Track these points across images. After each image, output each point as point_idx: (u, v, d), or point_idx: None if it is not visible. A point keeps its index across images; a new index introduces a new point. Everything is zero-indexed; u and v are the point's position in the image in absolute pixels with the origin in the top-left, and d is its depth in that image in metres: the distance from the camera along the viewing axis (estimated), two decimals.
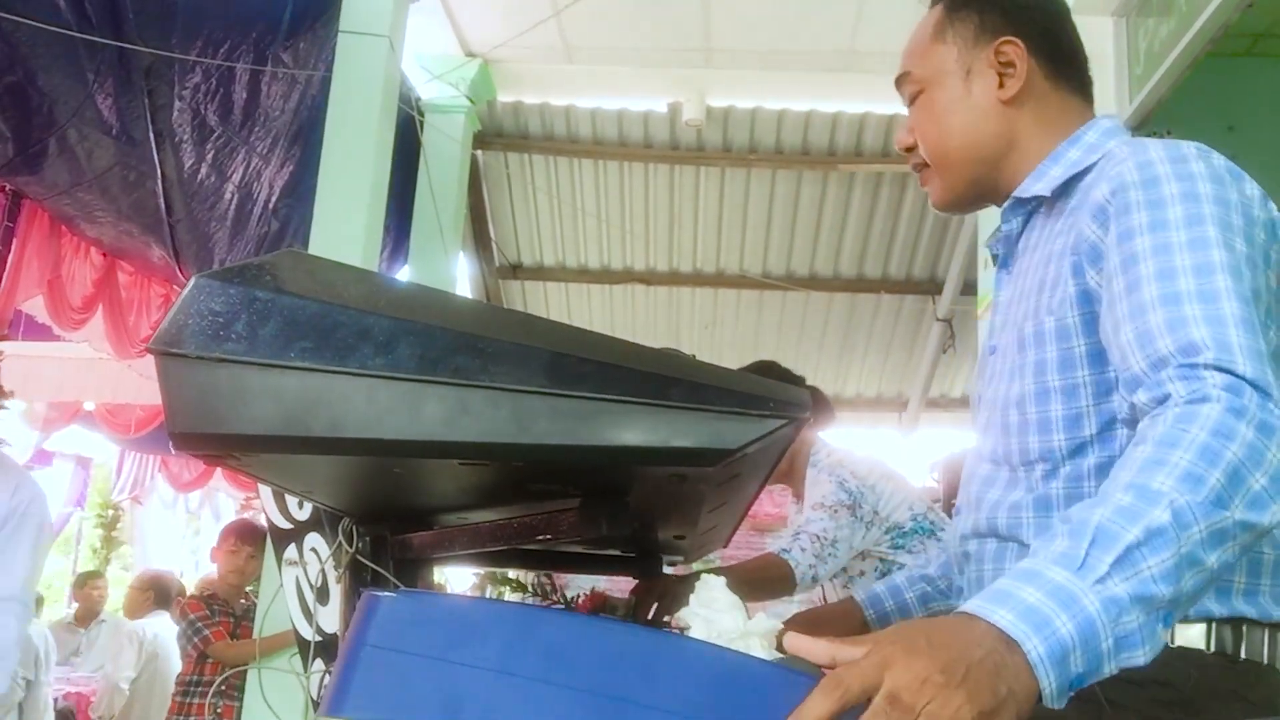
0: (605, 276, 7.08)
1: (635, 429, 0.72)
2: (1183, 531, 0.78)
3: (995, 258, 1.29)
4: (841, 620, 1.52)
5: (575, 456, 0.73)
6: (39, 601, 7.45)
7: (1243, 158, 1.08)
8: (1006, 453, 1.14)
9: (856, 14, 4.96)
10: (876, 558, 2.56)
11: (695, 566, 2.27)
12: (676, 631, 0.98)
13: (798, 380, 2.65)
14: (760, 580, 2.40)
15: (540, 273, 7.12)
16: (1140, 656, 0.76)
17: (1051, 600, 0.75)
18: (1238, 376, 0.85)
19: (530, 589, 2.43)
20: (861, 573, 2.58)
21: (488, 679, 0.77)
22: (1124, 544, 0.77)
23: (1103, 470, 1.04)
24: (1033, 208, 1.20)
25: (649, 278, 7.05)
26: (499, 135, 6.21)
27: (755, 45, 5.35)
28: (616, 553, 1.40)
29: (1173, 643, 0.97)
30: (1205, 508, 0.80)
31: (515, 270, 7.10)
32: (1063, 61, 1.22)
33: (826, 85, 5.62)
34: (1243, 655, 0.99)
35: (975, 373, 1.36)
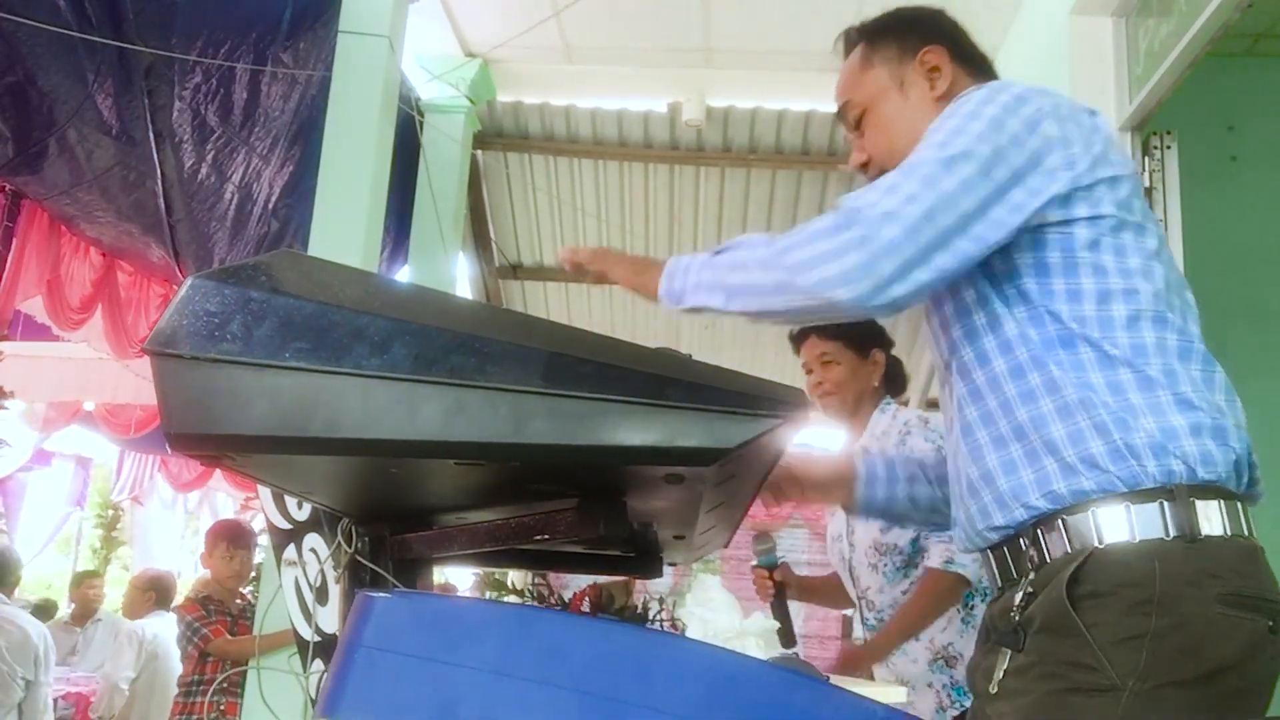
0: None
1: (632, 429, 0.72)
2: (749, 251, 1.20)
3: None
4: (835, 462, 1.62)
5: (572, 456, 0.73)
6: (50, 605, 7.46)
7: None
8: (961, 365, 1.31)
9: (856, 14, 4.95)
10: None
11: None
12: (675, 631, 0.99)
13: (881, 332, 2.68)
14: (936, 606, 2.40)
15: (540, 273, 7.12)
16: (701, 296, 1.23)
17: (691, 259, 1.27)
18: (845, 207, 1.14)
19: (526, 594, 2.43)
20: (903, 527, 2.55)
21: (483, 680, 0.77)
22: (730, 244, 1.23)
23: (1025, 390, 1.19)
24: None
25: None
26: (499, 135, 6.21)
27: (755, 45, 5.34)
28: (615, 553, 1.40)
29: (1135, 538, 1.04)
30: (774, 249, 1.16)
31: (515, 270, 7.09)
32: (972, 57, 1.42)
33: (826, 85, 5.58)
34: (1202, 533, 1.04)
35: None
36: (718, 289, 1.19)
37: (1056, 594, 1.05)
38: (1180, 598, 1.01)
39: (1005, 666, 1.09)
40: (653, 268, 1.28)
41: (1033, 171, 1.14)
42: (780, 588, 2.31)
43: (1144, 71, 3.31)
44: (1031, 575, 1.12)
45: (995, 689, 1.09)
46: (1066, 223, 1.16)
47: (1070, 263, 1.16)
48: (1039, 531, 1.13)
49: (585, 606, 2.28)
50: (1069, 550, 1.08)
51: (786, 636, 2.19)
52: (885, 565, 2.53)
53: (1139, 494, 1.06)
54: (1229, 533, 1.06)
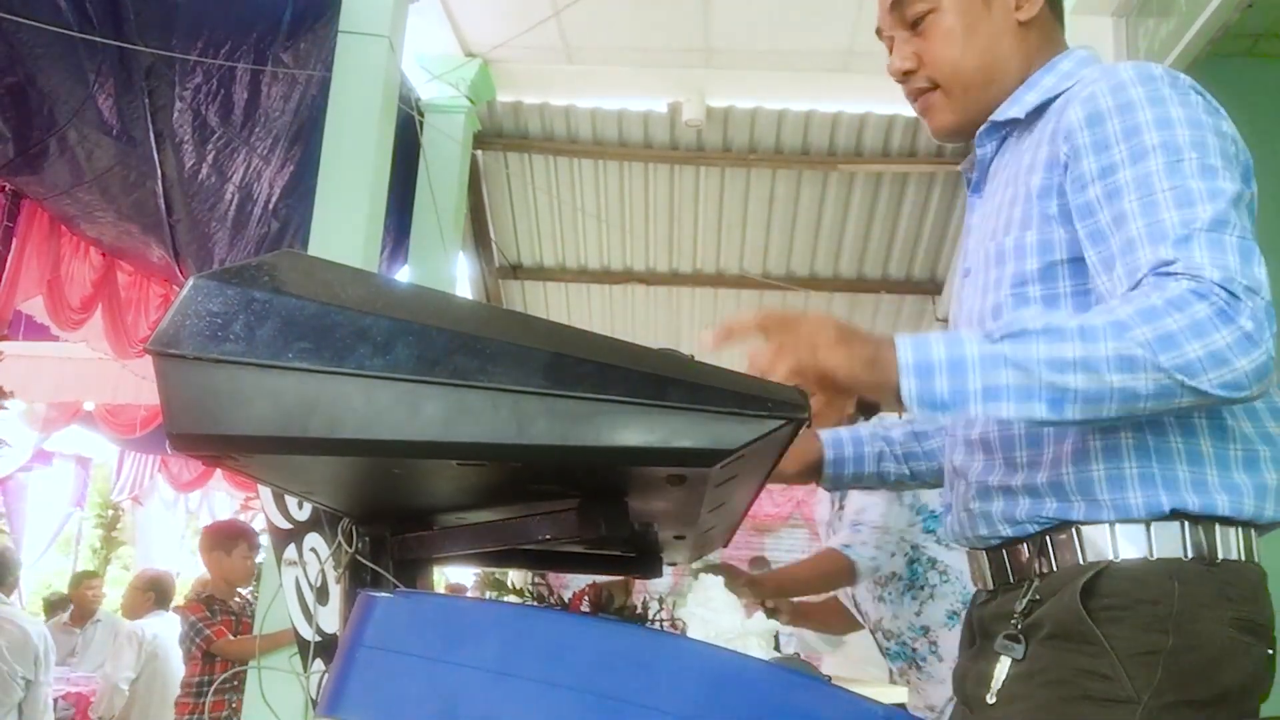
0: (605, 276, 7.07)
1: (633, 430, 0.72)
2: (1084, 340, 0.91)
3: (969, 182, 1.32)
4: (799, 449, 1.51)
5: (573, 457, 0.73)
6: (62, 600, 7.45)
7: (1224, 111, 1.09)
8: None
9: (856, 14, 4.96)
10: (910, 542, 2.53)
11: (698, 563, 2.28)
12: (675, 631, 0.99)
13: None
14: (820, 579, 2.40)
15: (540, 273, 7.12)
16: (1005, 410, 0.93)
17: (941, 338, 0.95)
18: (1204, 278, 0.93)
19: (526, 593, 2.44)
20: (892, 554, 2.56)
21: (484, 679, 0.77)
22: (1023, 327, 0.93)
23: None
24: (1006, 132, 1.24)
25: (649, 278, 7.05)
26: (499, 135, 6.21)
27: (755, 45, 5.34)
28: (616, 553, 1.40)
29: (1152, 555, 1.02)
30: (1118, 334, 0.91)
31: (515, 270, 7.09)
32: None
33: (826, 85, 5.62)
34: (1219, 556, 1.02)
35: (952, 299, 1.40)
36: (1035, 394, 0.91)
37: (1070, 602, 1.02)
38: (1196, 618, 0.99)
39: (1005, 674, 1.06)
40: (880, 351, 0.96)
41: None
42: (770, 614, 2.34)
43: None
44: (1036, 582, 1.08)
45: (994, 698, 1.06)
46: None
47: None
48: (1048, 538, 1.09)
49: (585, 606, 2.28)
50: (1081, 562, 1.05)
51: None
52: (889, 594, 2.55)
53: (1161, 518, 1.04)
54: (1244, 558, 1.04)
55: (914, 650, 2.51)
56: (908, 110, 1.32)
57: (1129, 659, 0.98)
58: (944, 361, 0.93)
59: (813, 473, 1.50)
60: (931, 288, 6.94)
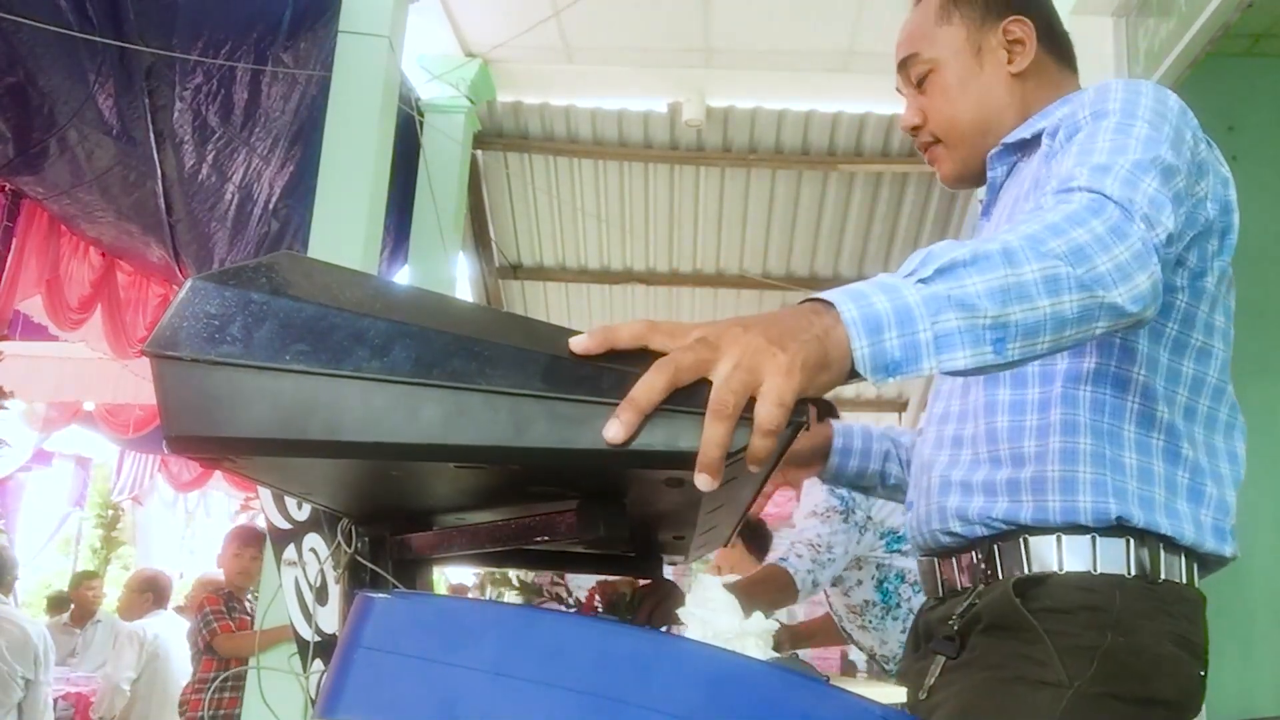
0: (605, 276, 7.07)
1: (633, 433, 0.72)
2: (1010, 263, 0.83)
3: (983, 206, 1.35)
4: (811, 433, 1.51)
5: (572, 460, 0.73)
6: (63, 599, 7.45)
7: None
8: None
9: (856, 14, 4.96)
10: (874, 563, 2.56)
11: (695, 567, 2.29)
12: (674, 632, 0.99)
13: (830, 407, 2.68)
14: (764, 591, 2.41)
15: (540, 273, 7.12)
16: (962, 359, 0.79)
17: (874, 287, 0.81)
18: (1104, 195, 0.91)
19: (540, 593, 2.46)
20: (859, 581, 2.58)
21: (483, 681, 0.77)
22: (950, 259, 0.82)
23: (1042, 400, 1.10)
24: (1017, 157, 1.26)
25: (649, 278, 7.05)
26: (499, 135, 6.21)
27: (755, 45, 5.35)
28: (615, 553, 1.40)
29: (1096, 569, 1.04)
30: (1037, 252, 0.85)
31: (515, 270, 7.10)
32: (1058, 39, 1.31)
33: (826, 85, 5.63)
34: (1162, 576, 1.05)
35: None
36: (983, 334, 0.80)
37: (1005, 595, 1.04)
38: (1136, 628, 1.01)
39: (938, 670, 1.08)
40: (831, 336, 0.76)
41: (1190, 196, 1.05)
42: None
43: (1144, 71, 3.31)
44: (980, 588, 1.10)
45: (925, 693, 1.08)
46: (1197, 275, 1.10)
47: (1182, 342, 1.10)
48: (995, 546, 1.10)
49: (598, 603, 2.30)
50: (1026, 571, 1.07)
51: None
52: (870, 621, 2.56)
53: (1107, 529, 1.06)
54: (1184, 582, 1.07)
55: None
56: None
57: (1065, 650, 1.00)
58: (890, 313, 0.78)
59: (819, 457, 1.51)
60: None
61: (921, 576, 1.25)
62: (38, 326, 4.61)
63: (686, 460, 0.71)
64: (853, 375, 0.78)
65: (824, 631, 2.83)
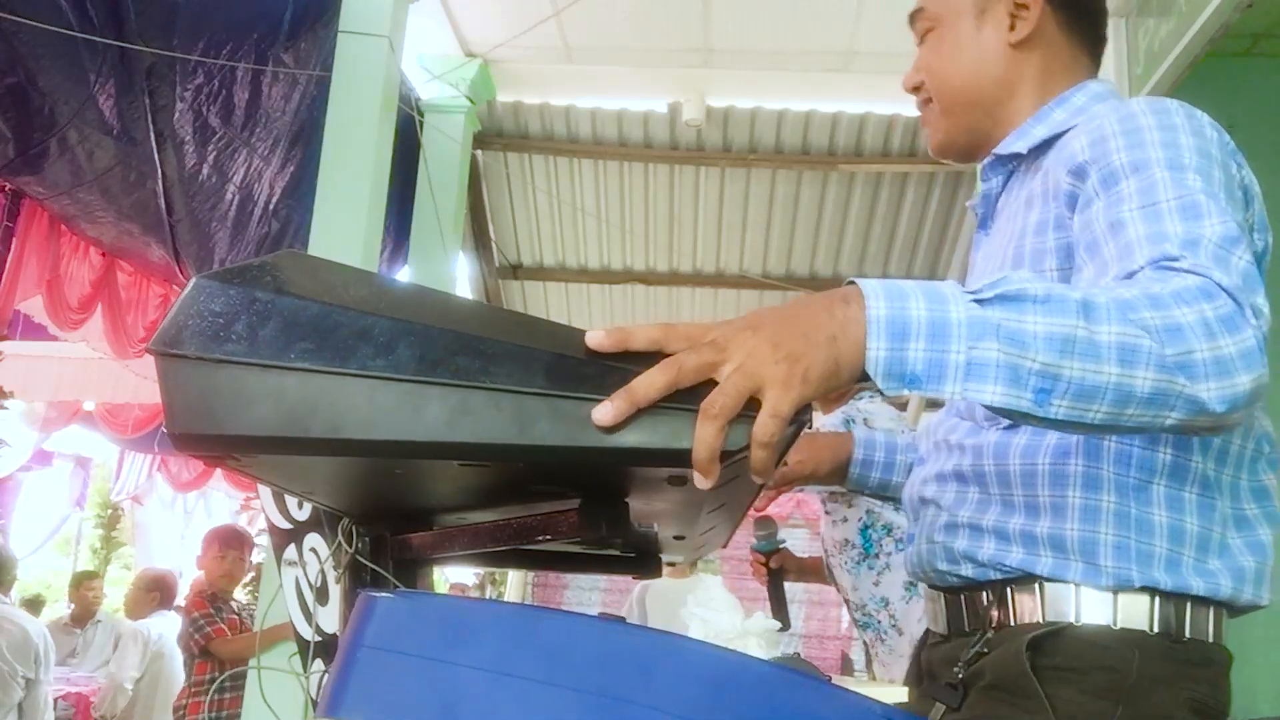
0: (605, 276, 7.08)
1: (635, 431, 0.72)
2: (1088, 318, 0.75)
3: (977, 215, 1.29)
4: (834, 444, 1.47)
5: (575, 458, 0.73)
6: (40, 600, 7.46)
7: (1243, 158, 1.08)
8: (970, 407, 1.10)
9: (856, 14, 4.96)
10: (864, 506, 2.50)
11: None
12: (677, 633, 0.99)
13: None
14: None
15: (540, 273, 7.12)
16: (991, 394, 0.73)
17: (921, 292, 0.74)
18: (1213, 280, 0.81)
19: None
20: (845, 519, 2.54)
21: (485, 679, 0.77)
22: (1018, 289, 0.75)
23: (1060, 447, 1.01)
24: (1013, 167, 1.19)
25: (649, 278, 7.05)
26: (499, 135, 6.21)
27: (755, 45, 5.35)
28: (615, 553, 1.40)
29: (1116, 624, 0.95)
30: (1125, 319, 0.76)
31: (515, 270, 7.10)
32: (1081, 12, 1.20)
33: (826, 85, 5.63)
34: (1187, 635, 0.96)
35: None
36: (1025, 377, 0.73)
37: (1016, 654, 0.96)
38: (1150, 693, 0.93)
39: (939, 718, 1.01)
40: (838, 316, 0.73)
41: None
42: (775, 574, 2.32)
43: (1144, 71, 3.32)
44: (990, 634, 1.02)
45: None
46: None
47: None
48: (1009, 589, 1.02)
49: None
50: (1041, 619, 0.98)
51: (780, 615, 2.19)
52: (847, 562, 2.54)
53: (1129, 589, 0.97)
54: (1211, 640, 0.98)
55: (878, 622, 2.50)
56: (908, 110, 1.34)
57: None
58: (924, 322, 0.72)
59: (841, 469, 1.46)
60: None
61: (927, 606, 1.18)
62: (38, 326, 4.61)
63: (688, 458, 0.71)
64: (864, 377, 0.73)
65: (818, 570, 2.81)
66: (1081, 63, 1.20)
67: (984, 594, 1.05)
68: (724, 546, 1.60)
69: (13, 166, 3.57)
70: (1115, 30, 3.57)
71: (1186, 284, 0.81)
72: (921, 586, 1.23)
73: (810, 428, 1.02)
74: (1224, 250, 0.85)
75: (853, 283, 0.76)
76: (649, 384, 0.69)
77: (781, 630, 2.03)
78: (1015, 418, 0.78)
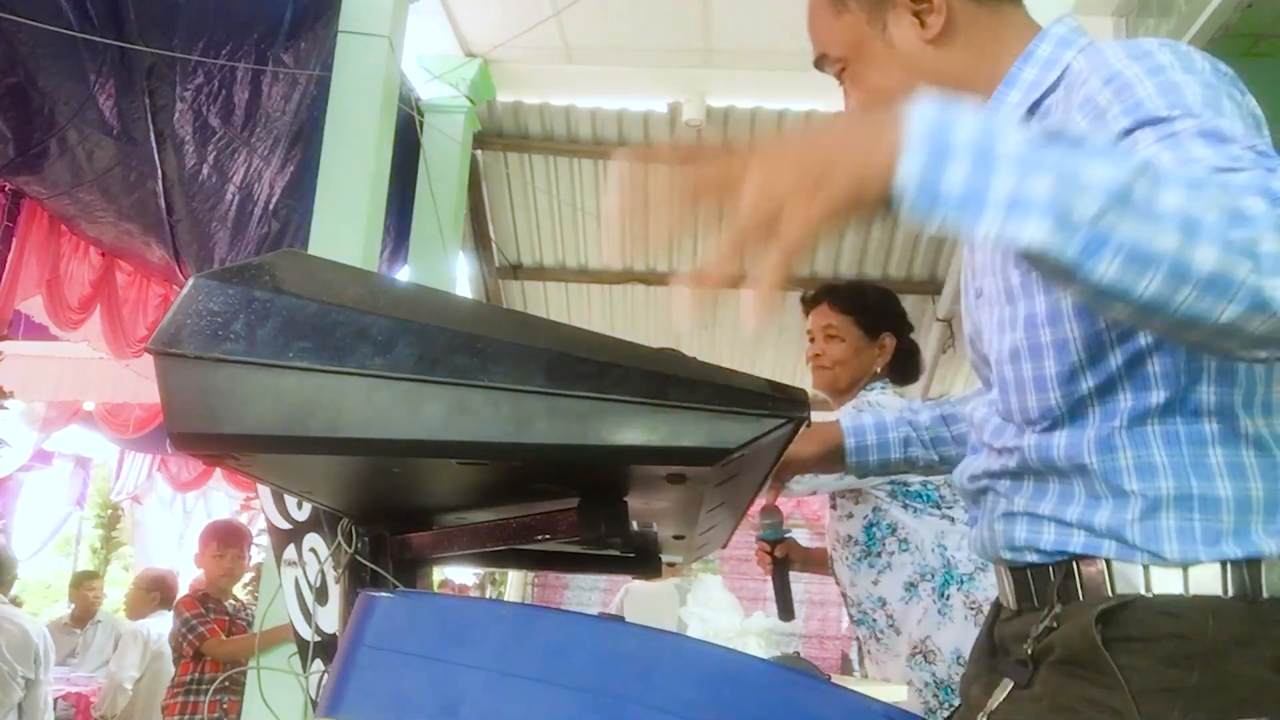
0: (605, 276, 7.07)
1: (634, 429, 0.72)
2: (1153, 180, 0.69)
3: None
4: (820, 434, 1.45)
5: (574, 456, 0.73)
6: (17, 602, 7.45)
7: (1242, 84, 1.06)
8: (1007, 410, 1.09)
9: None
10: (871, 504, 2.47)
11: (696, 567, 2.28)
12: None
13: (901, 318, 2.60)
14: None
15: (540, 273, 7.12)
16: (1030, 233, 0.68)
17: (975, 118, 0.69)
18: (1277, 188, 0.74)
19: None
20: (850, 515, 2.51)
21: (485, 679, 0.77)
22: (1080, 135, 0.71)
23: (1104, 440, 0.99)
24: None
25: (649, 278, 7.05)
26: (499, 135, 6.21)
27: (755, 45, 5.34)
28: (615, 553, 1.40)
29: (1189, 592, 0.93)
30: (1190, 189, 0.70)
31: (515, 270, 7.10)
32: None
33: (826, 85, 5.60)
34: (1265, 594, 0.92)
35: (962, 312, 1.26)
36: (1075, 224, 0.67)
37: (1085, 628, 0.94)
38: (1229, 656, 0.90)
39: (1004, 695, 1.00)
40: (880, 140, 0.69)
41: None
42: (780, 563, 2.31)
43: None
44: (1058, 608, 1.00)
45: (985, 717, 1.00)
46: None
47: None
48: (1077, 564, 1.00)
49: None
50: (1110, 592, 0.96)
51: (785, 610, 2.18)
52: (848, 557, 2.52)
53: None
54: None
55: (874, 621, 2.49)
56: None
57: (1144, 694, 0.90)
58: (970, 144, 0.67)
59: (834, 459, 1.45)
60: (931, 287, 6.94)
61: (997, 581, 1.16)
62: (38, 326, 4.61)
63: (688, 456, 0.71)
64: (888, 207, 0.68)
65: (823, 561, 2.79)
66: (1012, 20, 1.13)
67: (1050, 570, 1.03)
68: (724, 546, 1.60)
69: (13, 166, 3.57)
70: (1115, 30, 3.57)
71: (1253, 179, 0.75)
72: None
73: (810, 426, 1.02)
74: (1265, 170, 0.78)
75: (916, 103, 0.71)
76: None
77: (786, 621, 2.02)
78: (1054, 272, 0.71)
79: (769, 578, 2.45)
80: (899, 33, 1.11)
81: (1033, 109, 1.07)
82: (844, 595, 2.60)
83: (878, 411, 1.49)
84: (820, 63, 1.19)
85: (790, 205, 0.66)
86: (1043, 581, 1.03)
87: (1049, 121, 1.04)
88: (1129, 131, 0.88)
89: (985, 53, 1.11)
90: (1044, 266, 0.72)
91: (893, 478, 2.41)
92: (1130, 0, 3.47)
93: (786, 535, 2.40)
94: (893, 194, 0.67)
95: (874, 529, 2.46)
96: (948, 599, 2.41)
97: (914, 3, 1.10)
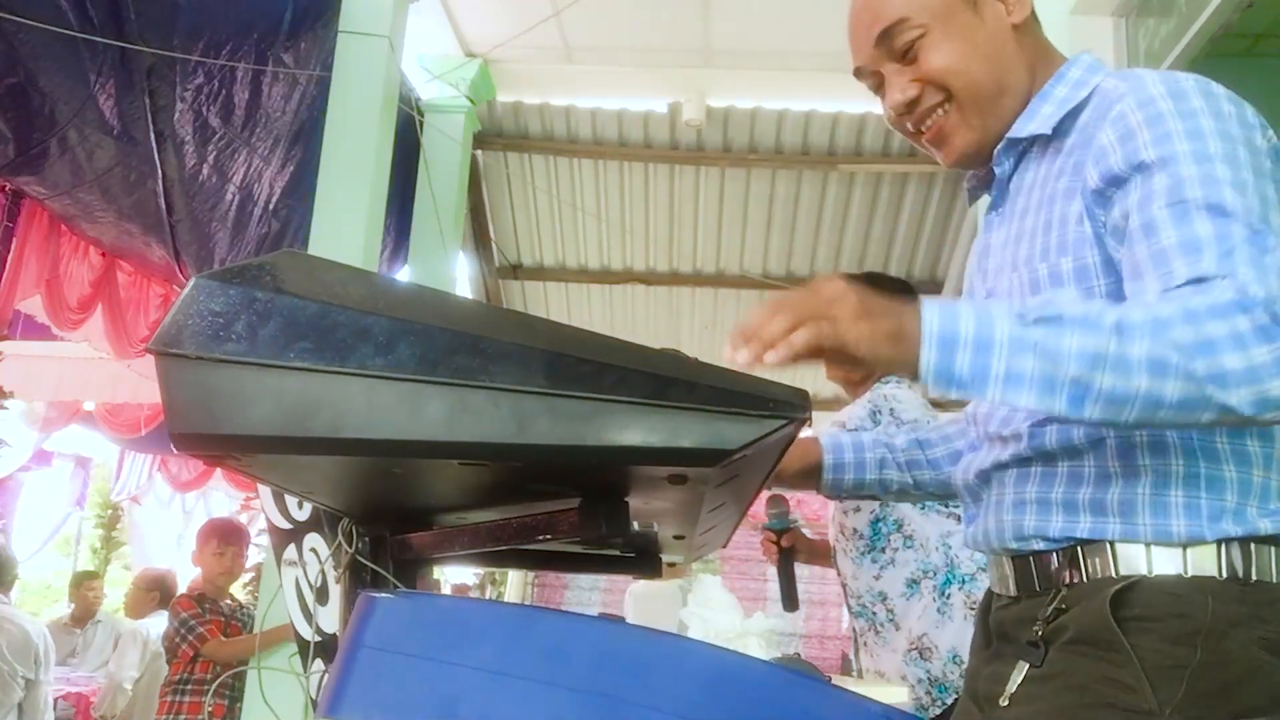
0: (605, 276, 7.08)
1: (635, 429, 0.72)
2: (1120, 336, 0.87)
3: (972, 194, 1.29)
4: (799, 450, 1.47)
5: (575, 457, 0.73)
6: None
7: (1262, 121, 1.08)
8: None
9: None
10: (904, 536, 2.48)
11: (695, 567, 2.28)
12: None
13: (907, 287, 2.62)
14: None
15: (540, 273, 7.12)
16: (1026, 399, 0.89)
17: (971, 311, 0.90)
18: (1250, 296, 0.88)
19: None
20: (858, 508, 2.52)
21: (484, 679, 0.77)
22: (1059, 312, 0.89)
23: None
24: (1024, 148, 1.19)
25: (649, 278, 7.05)
26: (499, 135, 6.21)
27: (755, 45, 5.35)
28: (615, 553, 1.40)
29: (1186, 573, 1.00)
30: (1156, 334, 0.87)
31: (515, 270, 7.10)
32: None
33: (826, 85, 5.63)
34: (1255, 577, 1.00)
35: None
36: (1059, 387, 0.87)
37: (1100, 609, 1.00)
38: (1225, 635, 0.97)
39: (1021, 677, 1.03)
40: (903, 323, 0.91)
41: None
42: (786, 552, 2.31)
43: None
44: (1064, 590, 1.05)
45: (1006, 700, 1.03)
46: None
47: None
48: (1079, 550, 1.05)
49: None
50: (1114, 574, 1.02)
51: (789, 600, 2.18)
52: (851, 550, 2.52)
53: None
54: (1278, 580, 1.01)
55: (873, 614, 2.49)
56: None
57: (1154, 671, 0.96)
58: (970, 338, 0.89)
59: (812, 476, 1.47)
60: (932, 288, 6.94)
61: (992, 571, 1.20)
62: (38, 326, 4.61)
63: (689, 456, 0.71)
64: (916, 375, 0.89)
65: (827, 553, 2.79)
66: (1048, 44, 1.23)
67: (1054, 555, 1.08)
68: (724, 546, 1.60)
69: (13, 166, 3.57)
70: (1115, 30, 3.56)
71: (1225, 299, 0.89)
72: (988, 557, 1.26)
73: (810, 427, 1.02)
74: (1257, 252, 0.92)
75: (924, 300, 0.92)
76: (772, 327, 0.87)
77: (790, 611, 2.02)
78: (1053, 418, 0.90)
79: (773, 568, 2.45)
80: (987, 10, 1.16)
81: (1064, 120, 1.14)
82: (844, 586, 2.61)
83: (857, 434, 1.51)
84: (891, 31, 1.16)
85: (841, 324, 0.90)
86: (1046, 566, 1.09)
87: (1071, 141, 1.13)
88: (1149, 166, 1.00)
89: (1040, 56, 1.20)
90: (1043, 414, 0.93)
91: None
92: (1130, 0, 3.47)
93: (793, 524, 2.40)
94: (913, 370, 0.90)
95: (880, 524, 2.47)
96: (948, 598, 2.41)
97: None
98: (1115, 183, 1.04)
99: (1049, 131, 1.14)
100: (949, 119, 1.18)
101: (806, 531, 2.63)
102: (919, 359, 0.89)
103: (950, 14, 1.15)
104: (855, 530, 2.49)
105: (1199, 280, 0.92)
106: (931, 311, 0.90)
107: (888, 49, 1.17)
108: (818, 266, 6.91)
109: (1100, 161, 1.05)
